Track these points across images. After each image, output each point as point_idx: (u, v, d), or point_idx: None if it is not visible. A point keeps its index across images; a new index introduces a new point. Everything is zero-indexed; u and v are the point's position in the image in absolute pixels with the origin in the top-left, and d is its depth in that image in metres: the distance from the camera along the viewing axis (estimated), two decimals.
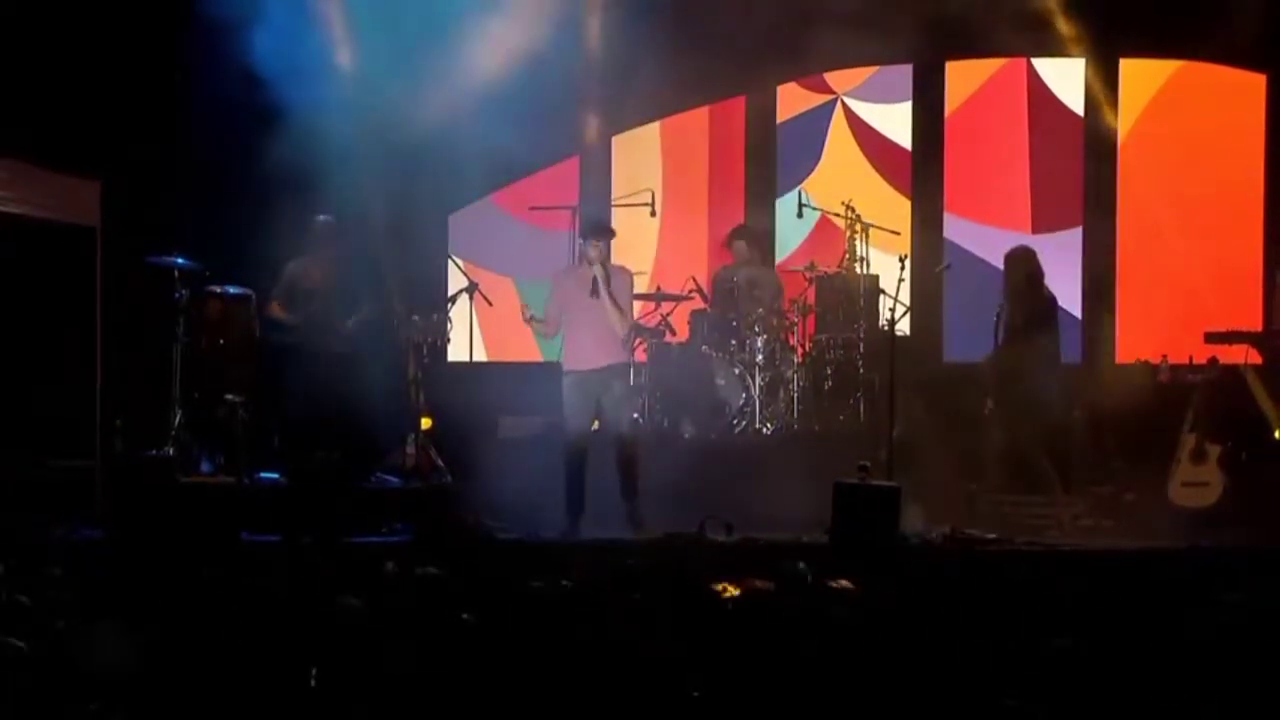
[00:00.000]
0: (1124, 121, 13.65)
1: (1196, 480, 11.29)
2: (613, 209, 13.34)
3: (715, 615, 6.71)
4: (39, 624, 6.61)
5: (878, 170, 13.92)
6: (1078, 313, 13.50)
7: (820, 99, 14.06)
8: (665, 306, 12.86)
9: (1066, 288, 13.14)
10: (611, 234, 11.01)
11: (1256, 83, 13.45)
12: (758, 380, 12.27)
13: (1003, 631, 6.73)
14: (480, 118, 11.80)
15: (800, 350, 12.59)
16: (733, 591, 6.87)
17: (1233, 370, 11.58)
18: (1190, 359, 11.71)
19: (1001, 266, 11.79)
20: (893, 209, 13.56)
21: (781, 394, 12.39)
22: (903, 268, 12.11)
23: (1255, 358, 11.88)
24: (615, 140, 14.20)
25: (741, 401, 12.28)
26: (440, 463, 11.60)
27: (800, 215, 13.34)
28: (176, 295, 11.65)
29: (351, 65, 12.67)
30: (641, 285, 12.21)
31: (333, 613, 6.70)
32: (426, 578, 7.50)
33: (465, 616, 6.56)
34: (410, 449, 11.63)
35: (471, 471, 11.29)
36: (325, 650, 6.33)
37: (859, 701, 6.07)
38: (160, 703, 6.07)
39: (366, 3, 12.65)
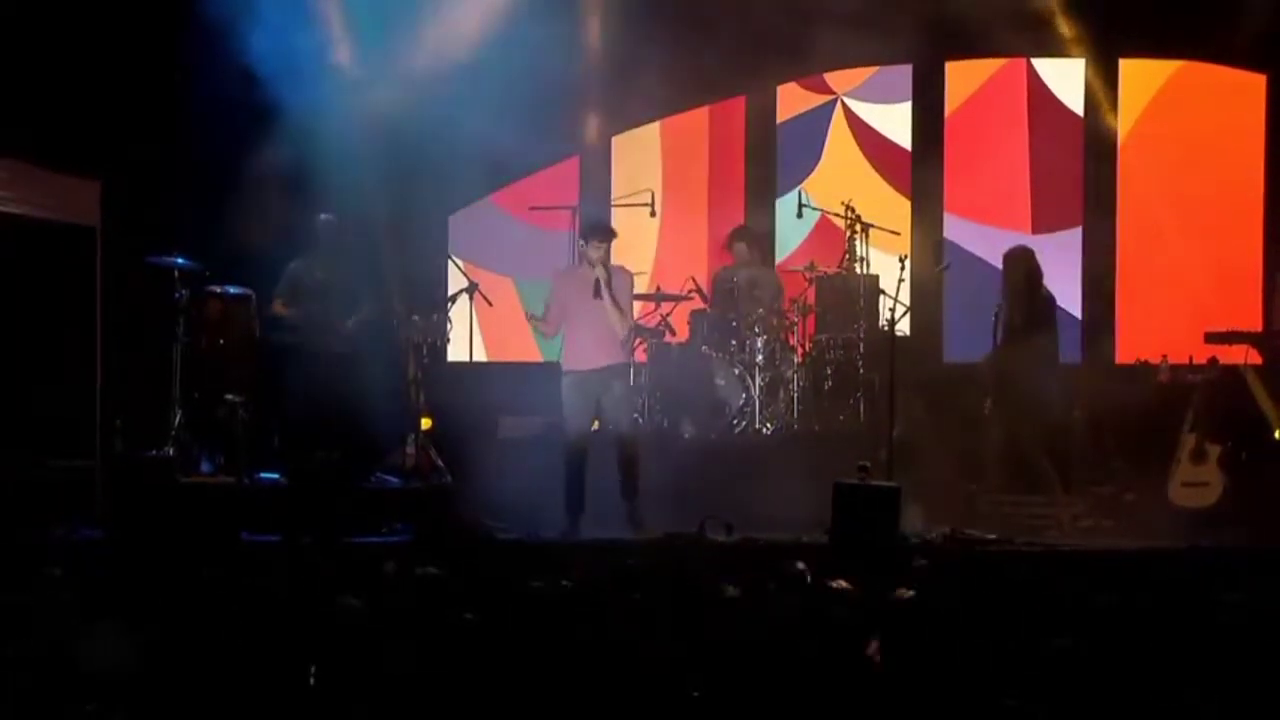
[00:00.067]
0: (1124, 121, 13.65)
1: (1196, 480, 11.29)
2: (613, 209, 13.33)
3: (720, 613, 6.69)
4: (39, 624, 6.61)
5: (878, 170, 13.92)
6: (1078, 313, 13.51)
7: (820, 99, 14.06)
8: (665, 306, 12.86)
9: (1066, 288, 13.15)
10: (613, 235, 10.98)
11: (1256, 83, 13.45)
12: (758, 380, 12.27)
13: (1003, 631, 6.73)
14: (480, 118, 11.80)
15: (800, 350, 12.59)
16: None
17: (1233, 370, 11.57)
18: (1190, 359, 11.70)
19: (1001, 266, 11.79)
20: (893, 209, 13.56)
21: (781, 394, 12.39)
22: (903, 268, 12.12)
23: (1255, 358, 11.88)
24: (615, 140, 14.21)
25: (741, 401, 12.28)
26: (440, 463, 11.60)
27: (800, 215, 13.34)
28: (176, 295, 11.65)
29: (351, 65, 12.67)
30: (641, 285, 12.21)
31: (333, 613, 6.70)
32: (426, 578, 7.50)
33: (466, 616, 6.56)
34: (410, 449, 11.63)
35: (471, 471, 11.30)
36: (325, 650, 6.33)
37: (859, 701, 6.07)
38: (160, 703, 6.07)
39: (366, 2, 12.65)
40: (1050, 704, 5.99)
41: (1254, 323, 12.75)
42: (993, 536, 10.55)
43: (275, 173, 11.42)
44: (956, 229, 13.75)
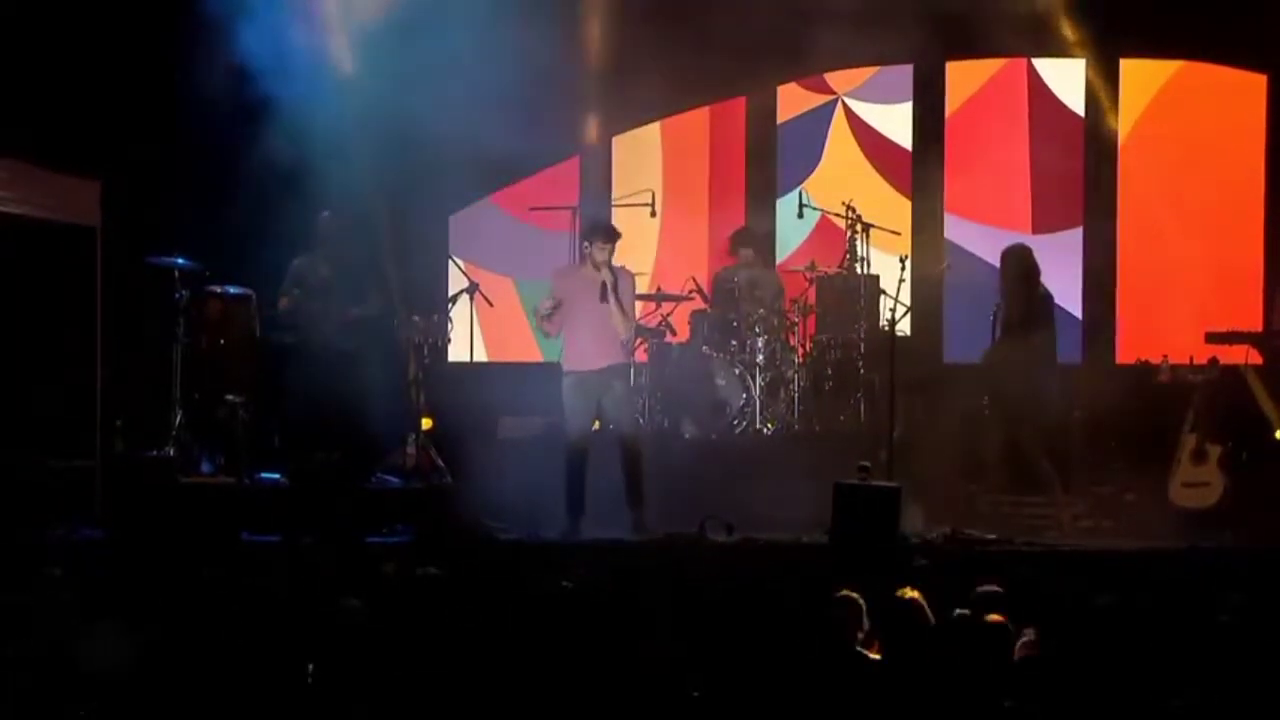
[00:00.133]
0: (1124, 122, 13.65)
1: (1197, 480, 11.28)
2: (613, 209, 13.32)
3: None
4: (39, 624, 6.61)
5: (878, 170, 13.91)
6: (1078, 313, 13.51)
7: (820, 99, 14.06)
8: (665, 307, 12.86)
9: (1066, 288, 13.16)
10: (618, 236, 10.83)
11: (1256, 83, 13.45)
12: (758, 380, 12.27)
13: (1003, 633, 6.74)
14: (480, 118, 11.79)
15: (800, 350, 12.59)
16: None
17: (1233, 370, 11.56)
18: (1190, 359, 11.69)
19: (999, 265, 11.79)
20: (893, 209, 13.55)
21: (781, 394, 12.39)
22: (903, 268, 12.11)
23: (1255, 358, 11.87)
24: (615, 140, 14.20)
25: (741, 401, 12.28)
26: (440, 463, 11.59)
27: (800, 215, 13.32)
28: (176, 295, 11.65)
29: (351, 66, 12.67)
30: (642, 285, 12.20)
31: (333, 613, 6.71)
32: (426, 578, 7.51)
33: (465, 617, 6.56)
34: (410, 449, 11.62)
35: (471, 471, 11.29)
36: (325, 650, 6.34)
37: (859, 701, 6.07)
38: (161, 703, 6.07)
39: (366, 2, 12.65)
40: (1050, 704, 5.99)
41: (1254, 323, 12.74)
42: (993, 536, 10.55)
43: (275, 172, 11.41)
44: (956, 229, 13.74)
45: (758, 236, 13.20)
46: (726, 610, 6.95)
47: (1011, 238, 12.15)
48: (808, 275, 12.67)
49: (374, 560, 8.70)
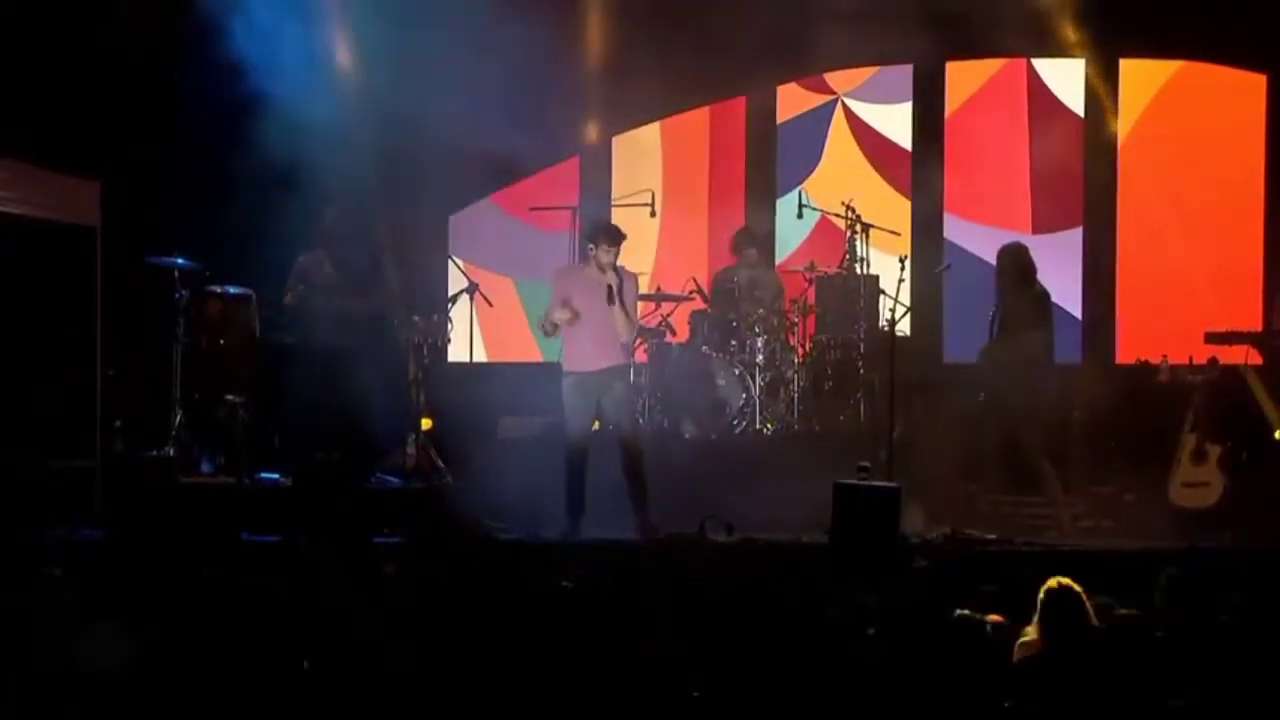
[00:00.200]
0: (1124, 122, 13.65)
1: (1196, 480, 11.28)
2: (613, 209, 13.32)
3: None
4: (39, 624, 6.61)
5: (878, 170, 13.92)
6: (1078, 313, 13.51)
7: (820, 99, 14.06)
8: (665, 307, 12.86)
9: (1066, 288, 13.17)
10: (623, 238, 10.76)
11: (1256, 83, 13.45)
12: (758, 380, 12.27)
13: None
14: (480, 118, 11.80)
15: (800, 350, 12.59)
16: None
17: (1233, 370, 11.57)
18: (1190, 359, 11.69)
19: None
20: (893, 209, 13.55)
21: (781, 394, 12.39)
22: (903, 268, 12.11)
23: (1255, 358, 11.87)
24: (615, 140, 14.21)
25: (741, 401, 12.28)
26: (440, 463, 11.60)
27: (800, 215, 13.32)
28: (176, 295, 11.65)
29: (351, 66, 12.68)
30: (642, 285, 12.15)
31: (333, 613, 6.71)
32: (427, 578, 7.50)
33: (465, 617, 6.56)
34: (410, 449, 11.63)
35: (471, 471, 11.29)
36: (325, 650, 6.33)
37: (859, 702, 6.07)
38: (160, 702, 6.07)
39: (366, 3, 12.65)
40: (1049, 704, 5.99)
41: (1254, 323, 12.75)
42: (993, 536, 10.55)
43: (275, 172, 11.42)
44: (956, 229, 13.75)
45: (760, 237, 13.21)
46: (726, 610, 6.94)
47: (1011, 238, 12.14)
48: (807, 275, 12.67)
49: (374, 560, 8.70)
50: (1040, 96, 13.75)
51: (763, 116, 14.14)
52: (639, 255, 13.31)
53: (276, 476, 11.30)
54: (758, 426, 12.24)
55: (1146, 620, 6.77)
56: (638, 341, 12.02)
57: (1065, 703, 6.04)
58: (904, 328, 12.15)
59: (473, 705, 6.05)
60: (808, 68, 13.83)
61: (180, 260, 11.70)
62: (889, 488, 9.98)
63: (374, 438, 11.63)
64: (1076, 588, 6.74)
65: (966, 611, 6.76)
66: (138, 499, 10.42)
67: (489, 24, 11.75)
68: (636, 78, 13.14)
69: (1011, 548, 10.33)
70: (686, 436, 12.33)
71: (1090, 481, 11.66)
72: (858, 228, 12.65)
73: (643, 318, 12.37)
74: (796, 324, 12.64)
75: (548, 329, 10.82)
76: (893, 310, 11.55)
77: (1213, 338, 11.85)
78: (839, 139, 14.02)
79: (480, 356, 13.38)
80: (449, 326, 12.30)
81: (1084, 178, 13.68)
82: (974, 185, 13.80)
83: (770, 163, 14.13)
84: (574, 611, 6.78)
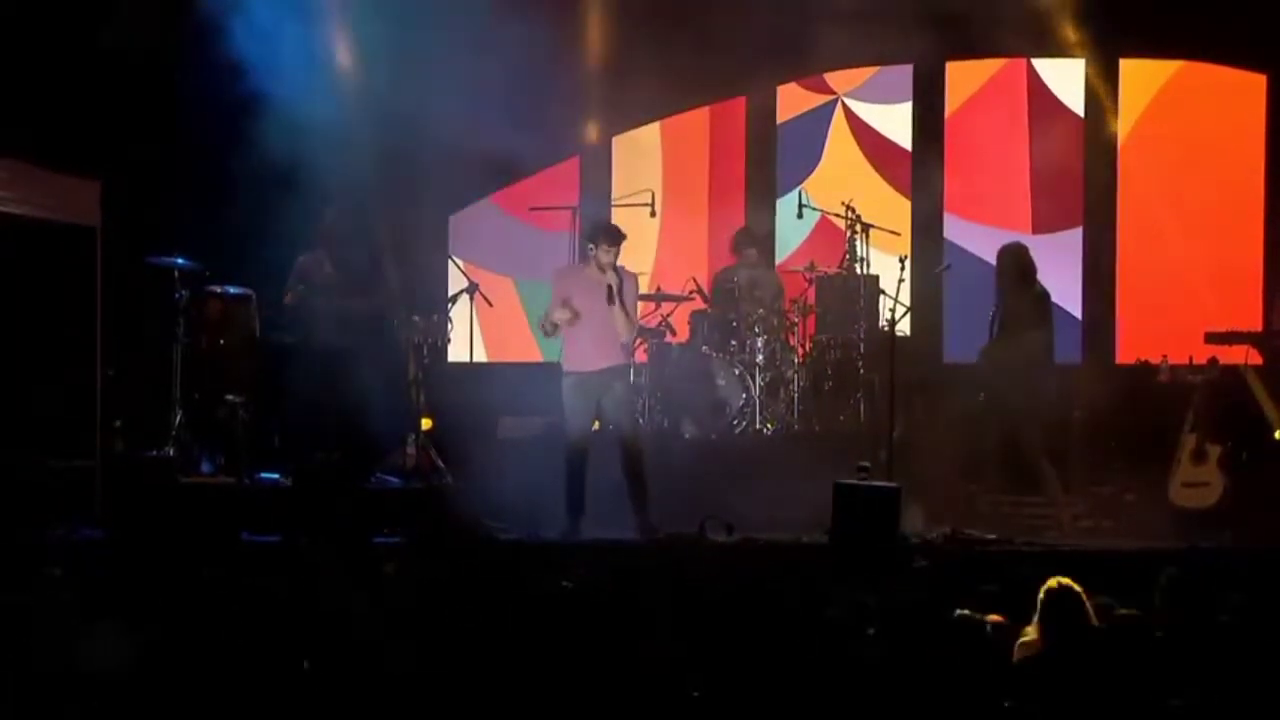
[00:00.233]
0: (1124, 122, 13.65)
1: (1196, 480, 11.28)
2: (613, 209, 13.32)
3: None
4: (39, 624, 6.61)
5: (878, 170, 13.92)
6: (1078, 313, 13.51)
7: (820, 99, 14.06)
8: (665, 306, 12.86)
9: (1066, 288, 13.17)
10: (624, 238, 10.75)
11: (1256, 83, 13.45)
12: (758, 380, 12.27)
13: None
14: (480, 118, 11.80)
15: (800, 350, 12.59)
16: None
17: (1233, 370, 11.57)
18: (1190, 359, 11.69)
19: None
20: (893, 209, 13.55)
21: (781, 394, 12.39)
22: (903, 268, 12.11)
23: (1255, 358, 11.87)
24: (615, 140, 14.21)
25: (741, 401, 12.28)
26: (440, 463, 11.60)
27: (800, 215, 13.32)
28: (176, 295, 11.65)
29: (351, 66, 12.68)
30: (642, 285, 12.15)
31: (333, 613, 6.70)
32: (427, 578, 7.50)
33: (465, 617, 6.56)
34: (410, 449, 11.63)
35: (471, 471, 11.29)
36: (325, 650, 6.33)
37: (859, 702, 6.07)
38: (160, 702, 6.07)
39: (366, 3, 12.65)
40: (1048, 704, 5.99)
41: (1254, 323, 12.75)
42: (993, 536, 10.55)
43: (275, 172, 11.42)
44: (956, 229, 13.74)
45: (760, 236, 13.21)
46: (726, 610, 6.94)
47: (1011, 238, 12.14)
48: (807, 275, 12.67)
49: (374, 560, 8.70)
50: (1040, 96, 13.75)
51: (763, 116, 14.14)
52: (639, 255, 13.32)
53: (276, 476, 11.30)
54: (758, 426, 12.24)
55: (1146, 620, 6.76)
56: (638, 341, 12.02)
57: (1065, 703, 6.04)
58: (904, 328, 12.15)
59: (473, 705, 6.05)
60: (808, 68, 13.84)
61: (180, 260, 11.70)
62: (889, 488, 9.98)
63: (374, 438, 11.63)
64: (1076, 588, 6.74)
65: (967, 611, 6.76)
66: (138, 499, 10.42)
67: (489, 24, 11.75)
68: (636, 78, 13.14)
69: (1011, 548, 10.33)
70: (686, 436, 12.33)
71: (1090, 481, 11.66)
72: (858, 228, 12.65)
73: (643, 318, 12.37)
74: (796, 324, 12.64)
75: (548, 329, 10.80)
76: (893, 310, 11.55)
77: (1213, 338, 11.85)
78: (839, 139, 14.02)
79: (480, 356, 13.38)
80: (449, 326, 12.30)
81: (1084, 178, 13.68)
82: (974, 185, 13.80)
83: (770, 163, 14.13)
84: (574, 611, 6.78)
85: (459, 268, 12.99)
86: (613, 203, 13.58)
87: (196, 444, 11.64)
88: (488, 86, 11.85)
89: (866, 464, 10.29)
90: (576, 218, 13.03)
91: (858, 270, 12.63)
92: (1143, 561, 9.70)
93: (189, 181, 12.41)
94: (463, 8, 11.74)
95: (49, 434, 11.05)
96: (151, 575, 8.26)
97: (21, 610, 6.81)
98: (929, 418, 11.94)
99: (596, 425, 10.98)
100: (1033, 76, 13.77)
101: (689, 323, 12.89)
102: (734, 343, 12.43)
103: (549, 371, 11.54)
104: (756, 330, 12.40)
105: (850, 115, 14.00)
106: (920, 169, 13.78)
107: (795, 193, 13.58)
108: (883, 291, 12.38)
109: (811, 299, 12.69)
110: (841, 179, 13.74)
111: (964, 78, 13.89)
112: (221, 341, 11.86)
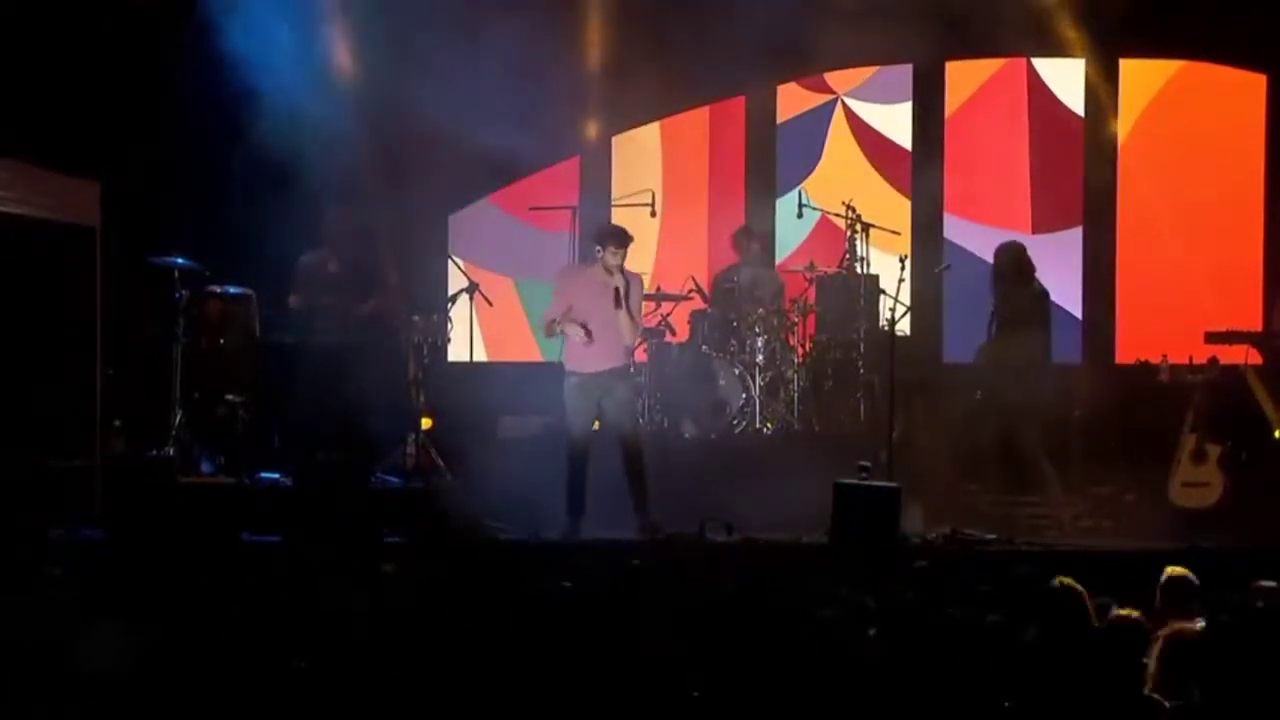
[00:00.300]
0: (1124, 122, 13.65)
1: (1196, 480, 11.29)
2: (613, 209, 13.33)
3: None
4: (39, 624, 6.61)
5: (878, 170, 13.92)
6: (1078, 313, 13.51)
7: (820, 99, 14.06)
8: (665, 306, 12.86)
9: (1066, 288, 13.17)
10: (631, 241, 10.71)
11: (1256, 83, 13.45)
12: (758, 380, 12.27)
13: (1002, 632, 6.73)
14: (480, 117, 11.80)
15: (800, 350, 12.59)
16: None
17: (1233, 370, 11.57)
18: (1190, 359, 11.69)
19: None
20: (893, 209, 13.55)
21: (781, 394, 12.39)
22: (903, 268, 12.11)
23: (1255, 358, 11.88)
24: (615, 140, 14.20)
25: (741, 401, 12.28)
26: (440, 463, 11.60)
27: (800, 215, 13.32)
28: (176, 295, 11.65)
29: (351, 66, 12.68)
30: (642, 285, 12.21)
31: (333, 613, 6.70)
32: (427, 578, 7.50)
33: (465, 617, 6.56)
34: (410, 449, 11.63)
35: (471, 471, 11.29)
36: (324, 650, 6.33)
37: (859, 702, 6.07)
38: (160, 702, 6.07)
39: (366, 2, 12.65)
40: (1047, 704, 5.99)
41: (1254, 323, 12.75)
42: (993, 536, 10.55)
43: (275, 172, 11.42)
44: (956, 229, 13.74)
45: (760, 234, 13.22)
46: (726, 610, 6.94)
47: (1011, 237, 12.15)
48: (807, 275, 12.67)
49: (374, 560, 8.69)
50: (1040, 96, 13.75)
51: (763, 116, 14.13)
52: (639, 255, 13.26)
53: (276, 476, 11.29)
54: (758, 426, 12.24)
55: (1146, 620, 6.76)
56: (639, 342, 12.01)
57: (1065, 702, 6.04)
58: (904, 328, 12.15)
59: (473, 705, 6.05)
60: (808, 68, 13.83)
61: (180, 260, 11.70)
62: (889, 488, 9.98)
63: (374, 438, 11.63)
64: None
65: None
66: (138, 499, 10.41)
67: (489, 24, 11.76)
68: (636, 77, 13.14)
69: (1011, 548, 10.34)
70: (686, 436, 12.33)
71: (1090, 481, 11.66)
72: (858, 227, 12.65)
73: (643, 317, 12.37)
74: (796, 324, 12.64)
75: (549, 329, 10.81)
76: (893, 310, 11.55)
77: (1213, 338, 11.85)
78: (839, 139, 14.02)
79: (480, 356, 13.38)
80: (449, 326, 12.30)
81: (1084, 178, 13.67)
82: (974, 185, 13.80)
83: (770, 162, 14.12)
84: (574, 611, 6.77)
85: (459, 267, 12.98)
86: (613, 203, 13.58)
87: (196, 444, 11.64)
88: (487, 86, 11.85)
89: (866, 464, 10.29)
90: (576, 218, 13.03)
91: (858, 270, 12.63)
92: (1143, 561, 9.70)
93: (189, 181, 12.42)
94: (463, 8, 11.75)
95: (49, 434, 11.04)
96: (151, 575, 8.26)
97: (21, 610, 6.80)
98: (929, 418, 11.94)
99: (597, 425, 10.98)
100: (1033, 76, 13.77)
101: (689, 322, 12.89)
102: (734, 342, 12.43)
103: (549, 371, 11.54)
104: (756, 330, 12.40)
105: (850, 115, 14.00)
106: (920, 169, 13.78)
107: (795, 192, 13.58)
108: (883, 291, 12.38)
109: (811, 299, 12.69)
110: (841, 179, 13.74)
111: (964, 78, 13.89)
112: (221, 341, 11.85)
